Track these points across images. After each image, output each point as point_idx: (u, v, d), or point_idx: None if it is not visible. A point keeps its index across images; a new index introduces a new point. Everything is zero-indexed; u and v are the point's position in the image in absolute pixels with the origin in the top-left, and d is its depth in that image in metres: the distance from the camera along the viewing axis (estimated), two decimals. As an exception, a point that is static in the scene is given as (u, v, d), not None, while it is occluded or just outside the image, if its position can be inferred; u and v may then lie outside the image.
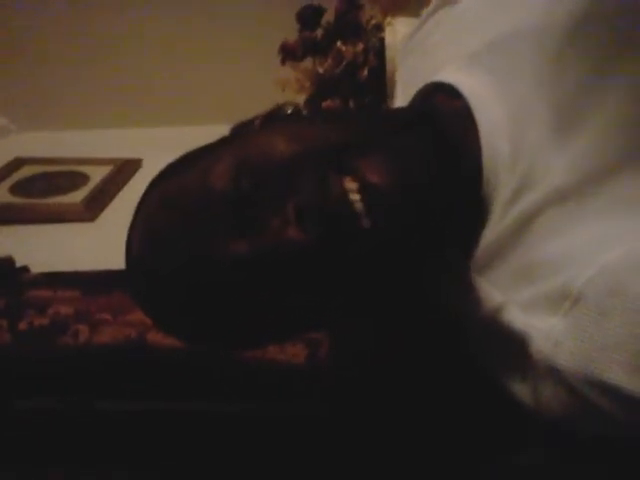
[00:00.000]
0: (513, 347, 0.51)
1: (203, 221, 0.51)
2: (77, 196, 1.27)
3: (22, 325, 0.78)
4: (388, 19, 1.14)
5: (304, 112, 0.62)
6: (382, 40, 1.13)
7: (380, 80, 1.12)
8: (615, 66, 0.51)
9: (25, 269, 0.95)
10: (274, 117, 0.60)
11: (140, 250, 0.55)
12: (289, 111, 0.60)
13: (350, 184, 0.50)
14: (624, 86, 0.50)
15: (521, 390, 0.52)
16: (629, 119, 0.50)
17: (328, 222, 0.49)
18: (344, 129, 0.57)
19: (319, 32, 1.21)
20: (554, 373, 0.48)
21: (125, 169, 1.38)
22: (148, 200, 0.56)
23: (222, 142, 0.58)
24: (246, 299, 0.51)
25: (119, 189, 1.32)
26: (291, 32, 1.24)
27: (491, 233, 0.55)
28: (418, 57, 0.72)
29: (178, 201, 0.53)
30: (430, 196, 0.53)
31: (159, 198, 0.55)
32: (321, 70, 1.18)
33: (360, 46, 1.15)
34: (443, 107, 0.60)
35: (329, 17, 1.22)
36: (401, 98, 0.74)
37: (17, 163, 1.40)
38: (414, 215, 0.52)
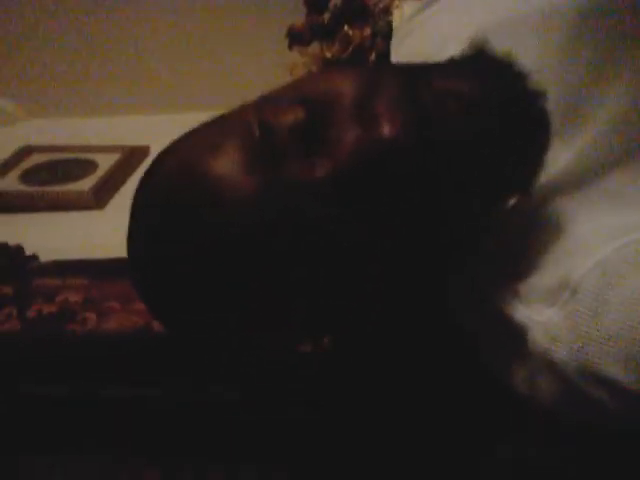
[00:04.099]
0: (510, 339, 0.51)
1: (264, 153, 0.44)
2: (85, 184, 1.27)
3: (31, 313, 0.78)
4: (396, 2, 1.13)
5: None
6: (390, 24, 1.12)
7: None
8: (622, 58, 0.51)
9: (34, 257, 0.95)
10: None
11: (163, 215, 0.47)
12: None
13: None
14: (630, 78, 0.50)
15: (517, 381, 0.52)
16: (634, 113, 0.49)
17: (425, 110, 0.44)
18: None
19: (326, 16, 1.19)
20: (551, 366, 0.48)
21: (133, 156, 1.38)
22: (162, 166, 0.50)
23: None
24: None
25: (127, 176, 1.32)
26: (300, 18, 1.23)
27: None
28: (416, 39, 0.70)
29: (223, 142, 0.46)
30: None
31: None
32: (329, 54, 1.17)
33: (367, 30, 1.14)
34: None
35: (336, 1, 1.21)
36: None
37: (26, 151, 1.41)
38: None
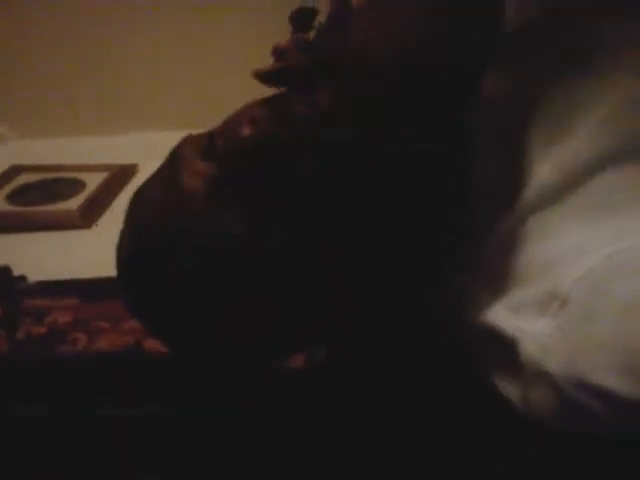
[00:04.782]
0: (502, 350, 0.51)
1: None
2: (74, 203, 1.27)
3: (20, 334, 0.78)
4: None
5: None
6: (375, 40, 1.13)
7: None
8: (602, 70, 0.51)
9: (22, 278, 0.95)
10: None
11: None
12: None
13: None
14: (610, 91, 0.50)
15: (511, 391, 0.52)
16: (615, 121, 0.50)
17: None
18: None
19: (312, 34, 1.20)
20: (543, 376, 0.48)
21: (121, 175, 1.38)
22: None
23: None
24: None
25: (116, 195, 1.32)
26: (286, 35, 1.23)
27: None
28: None
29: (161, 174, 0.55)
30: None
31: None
32: (315, 72, 1.17)
33: (353, 47, 1.15)
34: None
35: (322, 19, 1.22)
36: None
37: (14, 171, 1.41)
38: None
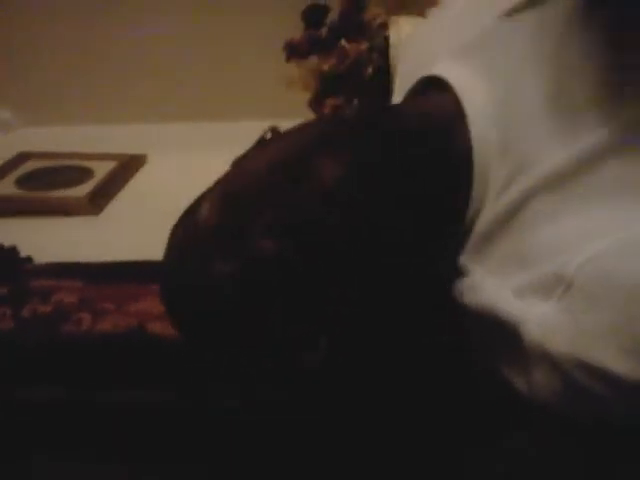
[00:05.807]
0: (505, 333, 0.51)
1: (196, 249, 0.54)
2: (82, 190, 1.27)
3: (25, 312, 0.79)
4: (393, 18, 1.15)
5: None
6: (386, 39, 1.14)
7: (385, 78, 1.13)
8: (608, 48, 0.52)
9: (29, 259, 0.96)
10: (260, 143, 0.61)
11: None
12: (268, 136, 0.60)
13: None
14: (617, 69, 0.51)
15: (513, 375, 0.52)
16: (625, 107, 0.51)
17: None
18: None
19: (324, 30, 1.21)
20: (547, 359, 0.48)
21: (130, 165, 1.39)
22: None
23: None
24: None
25: (123, 184, 1.32)
26: (297, 32, 1.24)
27: (484, 219, 0.55)
28: (416, 52, 0.73)
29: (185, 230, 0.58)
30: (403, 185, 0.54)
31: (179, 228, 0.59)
32: (326, 68, 1.19)
33: (364, 44, 1.16)
34: (430, 100, 0.61)
35: (333, 16, 1.23)
36: (397, 94, 0.75)
37: (22, 158, 1.41)
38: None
